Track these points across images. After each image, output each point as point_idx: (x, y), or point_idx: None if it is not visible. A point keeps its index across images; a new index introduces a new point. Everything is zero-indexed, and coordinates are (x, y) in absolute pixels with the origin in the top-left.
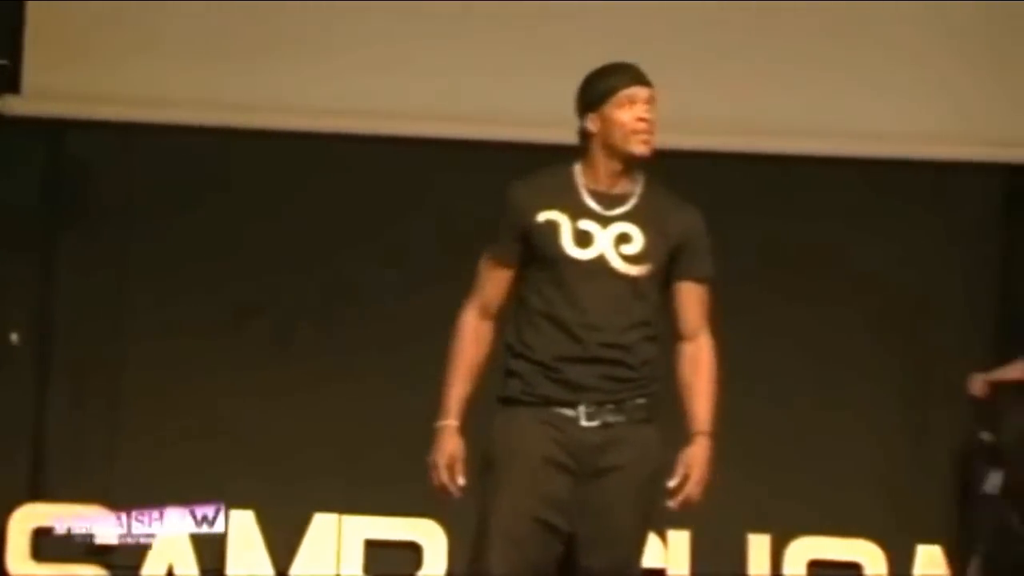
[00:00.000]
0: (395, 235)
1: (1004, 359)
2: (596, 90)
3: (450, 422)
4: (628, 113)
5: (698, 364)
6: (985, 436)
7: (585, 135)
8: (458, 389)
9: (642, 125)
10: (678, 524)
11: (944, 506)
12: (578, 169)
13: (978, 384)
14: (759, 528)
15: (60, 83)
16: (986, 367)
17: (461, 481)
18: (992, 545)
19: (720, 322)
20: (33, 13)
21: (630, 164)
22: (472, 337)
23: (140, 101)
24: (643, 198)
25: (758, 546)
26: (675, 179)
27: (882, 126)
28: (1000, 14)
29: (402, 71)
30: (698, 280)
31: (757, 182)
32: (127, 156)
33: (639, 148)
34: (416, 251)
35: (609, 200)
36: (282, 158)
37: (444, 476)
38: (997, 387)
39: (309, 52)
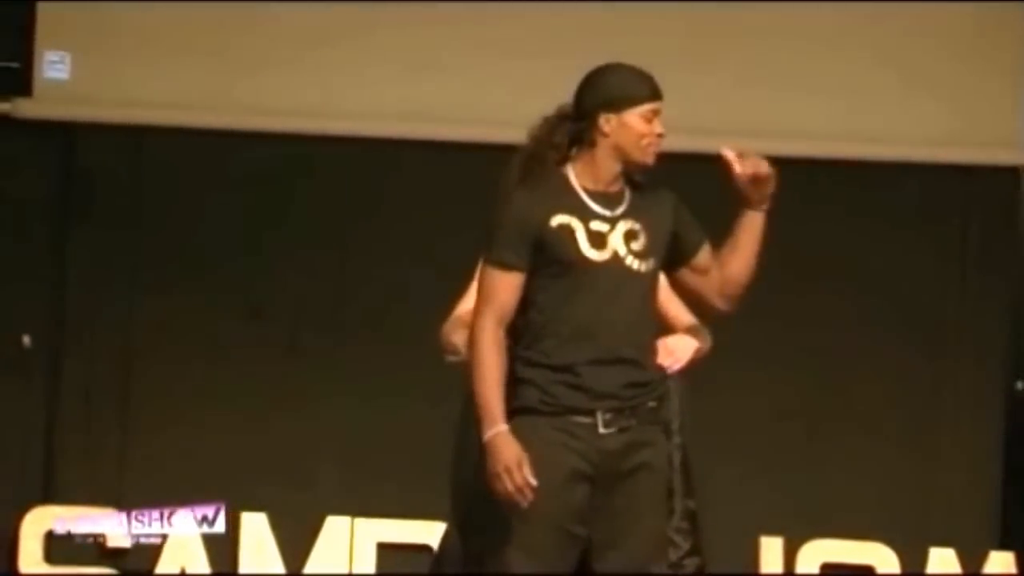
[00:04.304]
0: (406, 236)
1: (1017, 362)
2: (617, 92)
3: (502, 427)
4: (649, 127)
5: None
6: None
7: (591, 132)
8: (495, 395)
9: (658, 140)
10: None
11: (956, 509)
12: (571, 170)
13: None
14: (772, 531)
15: (71, 86)
16: (998, 370)
17: (533, 481)
18: None
19: (729, 325)
20: (44, 16)
21: (630, 169)
22: (494, 346)
23: (150, 104)
24: (633, 192)
25: (771, 549)
26: (669, 182)
27: (893, 129)
28: (994, 15)
29: (414, 75)
30: (703, 246)
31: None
32: (138, 159)
33: (650, 159)
34: (430, 252)
35: (608, 199)
36: (291, 160)
37: (519, 478)
38: None
39: (319, 55)
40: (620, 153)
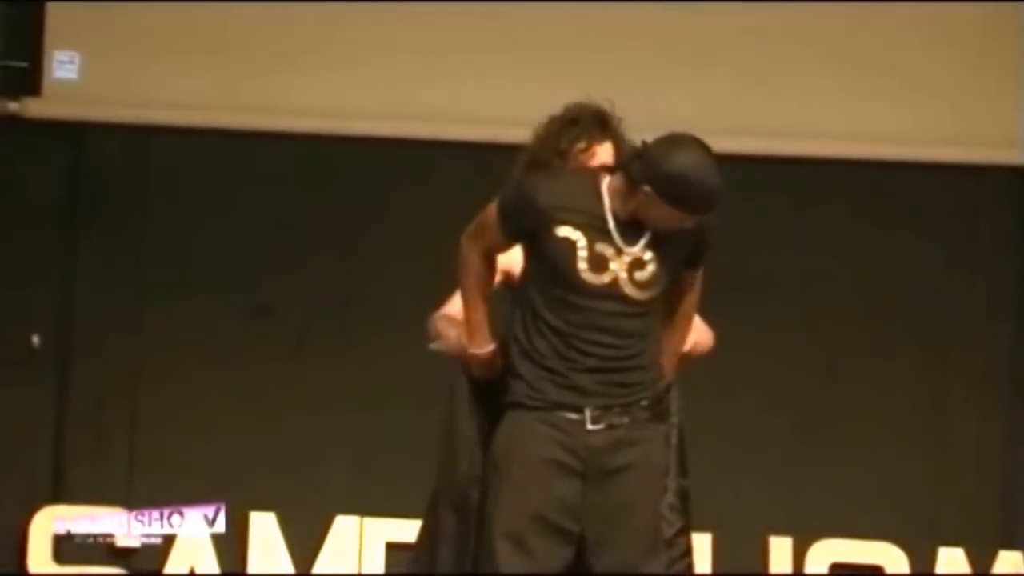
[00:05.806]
0: (415, 236)
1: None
2: (669, 185)
3: (493, 347)
4: (676, 221)
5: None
6: None
7: (633, 181)
8: (483, 317)
9: (680, 226)
10: (699, 527)
11: (965, 509)
12: (608, 185)
13: None
14: (781, 530)
15: (80, 86)
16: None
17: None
18: None
19: (736, 327)
20: (53, 15)
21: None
22: (481, 273)
23: (159, 104)
24: None
25: (780, 548)
26: None
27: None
28: (994, 15)
29: (423, 75)
30: (697, 272)
31: (757, 184)
32: (147, 159)
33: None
34: (436, 251)
35: (629, 229)
36: (300, 160)
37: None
38: None
39: (328, 56)
40: (638, 211)
